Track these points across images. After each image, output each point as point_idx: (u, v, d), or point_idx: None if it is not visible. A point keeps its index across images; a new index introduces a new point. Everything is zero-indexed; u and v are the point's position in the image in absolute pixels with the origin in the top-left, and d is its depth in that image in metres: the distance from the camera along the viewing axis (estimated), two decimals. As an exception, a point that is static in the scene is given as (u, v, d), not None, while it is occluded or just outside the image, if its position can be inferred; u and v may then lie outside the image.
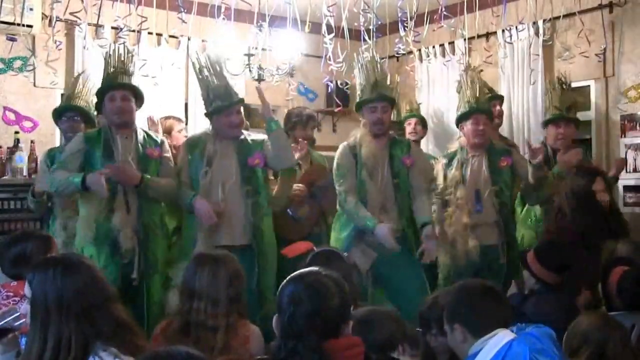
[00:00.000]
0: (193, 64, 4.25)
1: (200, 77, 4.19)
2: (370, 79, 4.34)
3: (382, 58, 5.79)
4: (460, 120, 4.63)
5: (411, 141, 4.79)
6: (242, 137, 4.23)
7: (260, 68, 5.50)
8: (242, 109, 4.24)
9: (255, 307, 3.76)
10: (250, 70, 5.24)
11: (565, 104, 4.93)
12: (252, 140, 4.24)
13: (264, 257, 4.09)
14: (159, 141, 4.20)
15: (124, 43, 4.56)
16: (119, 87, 4.05)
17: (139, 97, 4.15)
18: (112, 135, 4.03)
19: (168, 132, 4.95)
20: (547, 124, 4.99)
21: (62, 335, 1.97)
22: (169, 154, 4.21)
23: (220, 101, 4.11)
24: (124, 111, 4.03)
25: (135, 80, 4.23)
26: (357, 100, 4.47)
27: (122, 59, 4.12)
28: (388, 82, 4.60)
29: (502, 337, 2.45)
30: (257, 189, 4.16)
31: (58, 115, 4.60)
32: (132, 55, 4.20)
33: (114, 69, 4.10)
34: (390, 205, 4.32)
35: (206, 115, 4.24)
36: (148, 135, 4.20)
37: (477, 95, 4.58)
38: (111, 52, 4.13)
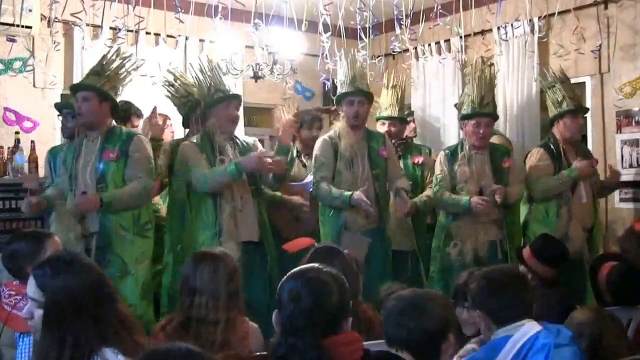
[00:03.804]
0: (192, 67, 4.37)
1: (200, 79, 4.30)
2: (349, 74, 4.53)
3: (379, 56, 5.83)
4: (463, 118, 4.72)
5: (385, 134, 4.88)
6: (236, 139, 4.37)
7: (255, 67, 5.52)
8: (238, 105, 4.37)
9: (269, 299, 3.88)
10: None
11: (577, 96, 4.92)
12: (246, 142, 4.40)
13: (272, 250, 4.25)
14: (128, 137, 4.13)
15: (115, 43, 4.58)
16: (80, 89, 4.10)
17: (105, 96, 4.10)
18: (81, 140, 4.13)
19: None
20: (562, 116, 4.85)
21: (79, 334, 1.98)
22: (139, 153, 4.11)
23: (222, 93, 4.25)
24: (82, 113, 4.07)
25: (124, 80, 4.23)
26: (338, 91, 4.66)
27: (104, 61, 4.12)
28: (367, 80, 4.75)
29: (529, 328, 2.50)
30: (259, 187, 4.33)
31: None
32: (125, 57, 4.20)
33: (89, 72, 4.14)
34: (372, 196, 4.41)
35: (204, 110, 4.32)
36: (120, 132, 4.15)
37: (483, 95, 4.63)
38: (107, 53, 4.17)
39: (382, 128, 5.22)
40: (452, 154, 4.72)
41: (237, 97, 4.41)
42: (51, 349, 1.97)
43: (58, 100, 5.23)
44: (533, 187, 4.79)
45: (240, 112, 4.75)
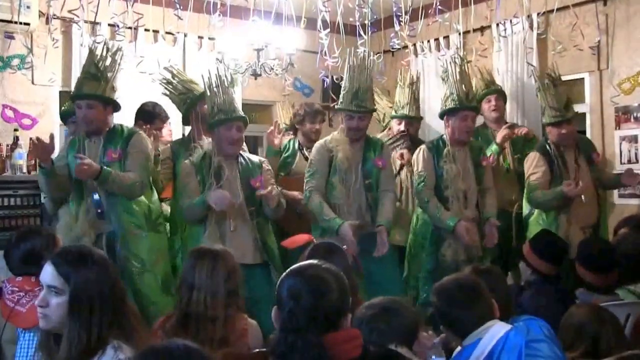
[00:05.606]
0: (203, 78, 4.28)
1: (208, 91, 4.23)
2: (354, 86, 4.37)
3: (377, 53, 5.83)
4: (448, 112, 4.65)
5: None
6: (242, 158, 4.29)
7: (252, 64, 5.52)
8: (242, 127, 4.26)
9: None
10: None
11: (562, 103, 4.76)
12: (251, 161, 4.31)
13: (279, 272, 4.12)
14: (128, 135, 4.14)
15: (104, 40, 4.53)
16: (83, 97, 4.05)
17: (108, 102, 4.09)
18: (82, 141, 4.10)
19: None
20: (547, 126, 4.86)
21: (103, 326, 2.00)
22: (136, 149, 4.12)
23: (223, 114, 4.17)
24: (88, 120, 4.05)
25: (119, 77, 4.20)
26: (339, 102, 4.50)
27: (96, 60, 4.06)
28: (372, 92, 4.59)
29: (499, 328, 2.48)
30: (259, 208, 4.23)
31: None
32: (115, 52, 4.14)
33: (84, 74, 4.08)
34: (364, 205, 4.38)
35: (208, 129, 4.31)
36: (122, 131, 4.16)
37: (467, 90, 4.62)
38: (95, 51, 4.10)
39: (398, 127, 5.27)
40: (436, 150, 4.64)
41: (240, 119, 4.25)
42: (78, 339, 1.98)
43: (57, 97, 5.25)
44: (529, 197, 4.75)
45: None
